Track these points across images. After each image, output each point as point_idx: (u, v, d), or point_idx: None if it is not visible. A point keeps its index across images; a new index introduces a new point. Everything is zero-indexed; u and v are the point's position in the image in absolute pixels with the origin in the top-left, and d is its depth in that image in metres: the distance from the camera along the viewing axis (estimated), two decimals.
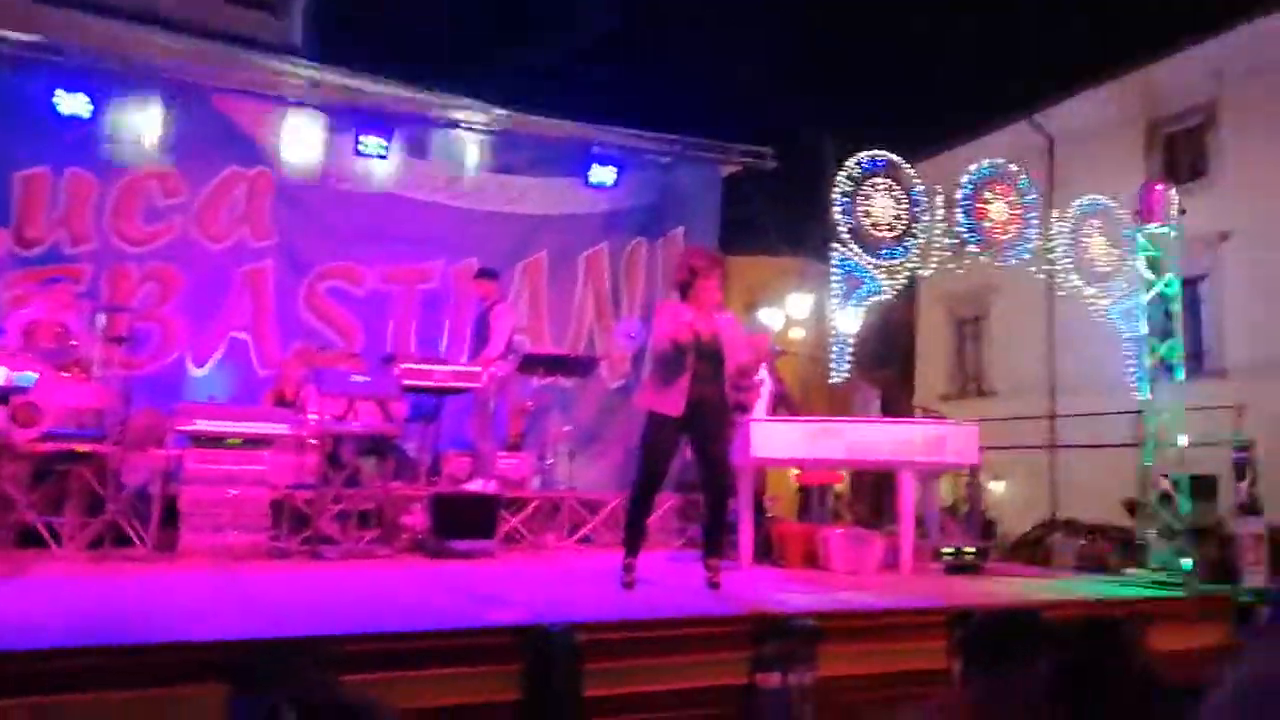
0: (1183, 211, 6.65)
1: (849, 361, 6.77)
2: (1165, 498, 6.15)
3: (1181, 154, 15.72)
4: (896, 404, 12.44)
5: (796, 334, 17.39)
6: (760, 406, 7.05)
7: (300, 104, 8.69)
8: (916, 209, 6.56)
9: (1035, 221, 6.82)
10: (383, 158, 8.74)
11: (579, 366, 8.53)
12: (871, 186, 6.55)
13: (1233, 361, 14.05)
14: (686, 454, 5.46)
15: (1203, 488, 7.55)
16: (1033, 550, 10.84)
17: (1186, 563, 5.76)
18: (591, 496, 7.89)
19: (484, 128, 9.35)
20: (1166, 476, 6.17)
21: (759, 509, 6.88)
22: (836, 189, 6.48)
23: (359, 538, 6.35)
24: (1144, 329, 6.60)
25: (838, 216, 6.44)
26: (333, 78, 9.52)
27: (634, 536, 5.09)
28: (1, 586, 4.60)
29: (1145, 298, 6.58)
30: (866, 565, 6.02)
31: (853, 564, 5.99)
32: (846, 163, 6.51)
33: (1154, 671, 2.14)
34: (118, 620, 3.89)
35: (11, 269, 7.59)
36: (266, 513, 6.13)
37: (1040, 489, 16.10)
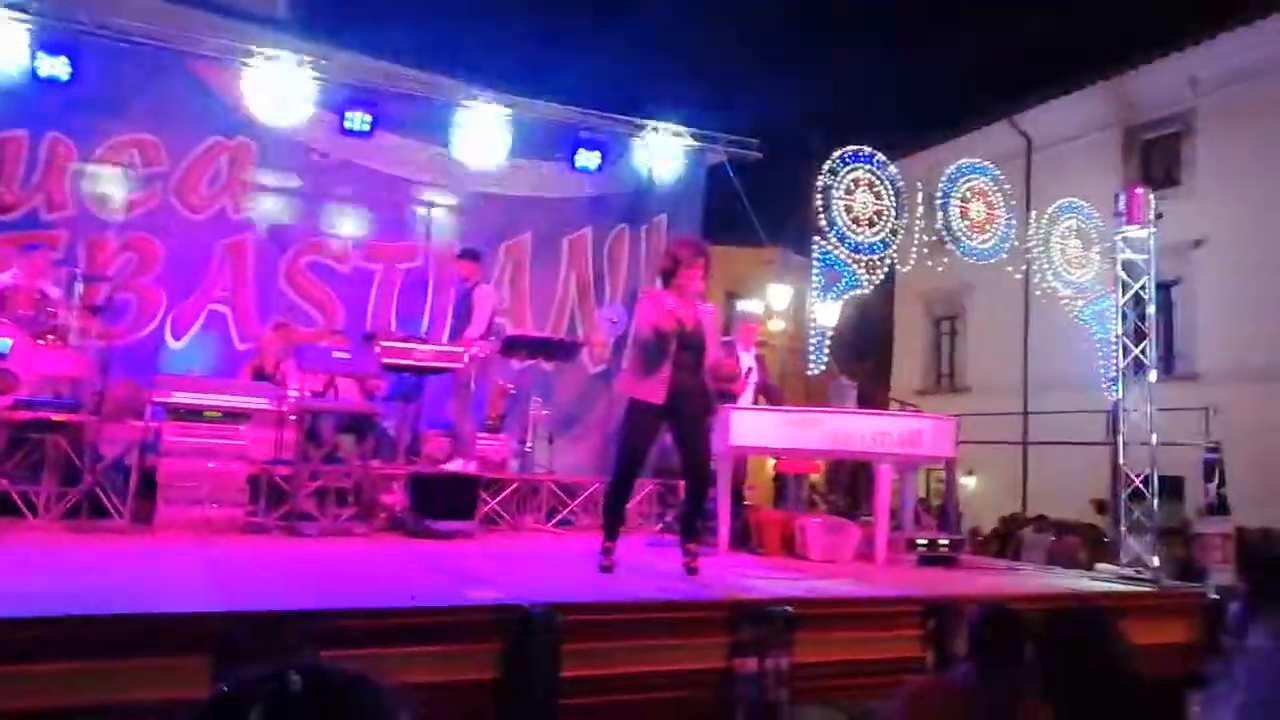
0: (1159, 216, 6.74)
1: (827, 354, 6.83)
2: (1136, 495, 6.27)
3: (1157, 161, 15.92)
4: (873, 397, 12.54)
5: (776, 325, 17.47)
6: (746, 396, 7.09)
7: (285, 77, 8.58)
8: (897, 205, 6.61)
9: (1013, 222, 6.89)
10: (367, 134, 8.68)
11: (561, 350, 8.54)
12: (853, 181, 6.58)
13: (1203, 366, 14.29)
14: (666, 440, 5.50)
15: (1170, 488, 7.70)
16: (1000, 544, 10.98)
17: (1154, 559, 5.89)
18: (570, 480, 7.92)
19: (469, 107, 9.29)
20: (1137, 475, 6.28)
21: (738, 497, 6.93)
22: (818, 182, 6.51)
23: (337, 515, 6.33)
24: (1118, 331, 6.70)
25: (819, 210, 6.47)
26: (318, 50, 9.42)
27: (612, 521, 5.12)
28: None
29: (1121, 300, 6.69)
30: (842, 554, 6.10)
31: (829, 552, 6.06)
32: (829, 157, 6.54)
33: (1135, 659, 2.20)
34: (95, 591, 3.86)
35: None
36: (244, 487, 6.09)
37: (1012, 485, 16.33)
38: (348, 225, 8.83)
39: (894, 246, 6.61)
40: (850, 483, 10.17)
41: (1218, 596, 5.08)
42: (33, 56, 7.48)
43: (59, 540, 5.25)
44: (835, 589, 4.93)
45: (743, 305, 15.63)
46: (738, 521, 6.49)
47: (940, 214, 6.69)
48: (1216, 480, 5.94)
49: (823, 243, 6.48)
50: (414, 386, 7.36)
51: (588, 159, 9.51)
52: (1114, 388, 6.67)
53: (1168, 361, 13.88)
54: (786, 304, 16.72)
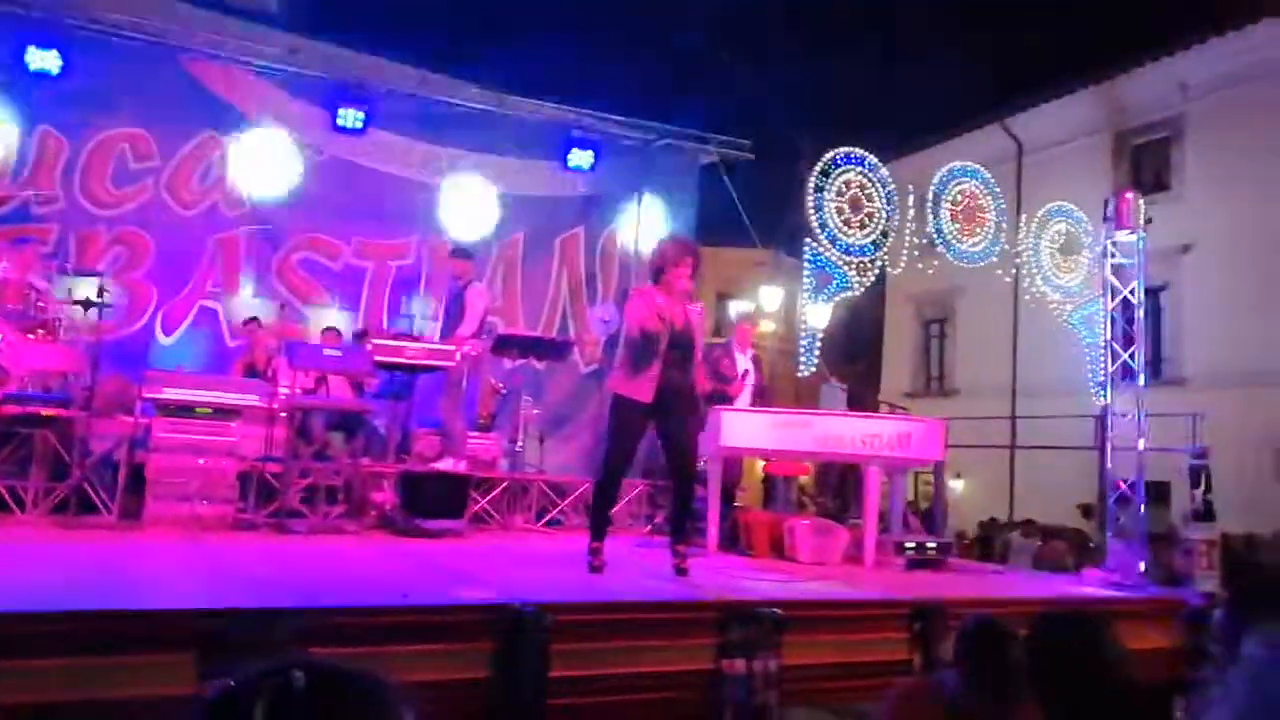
0: (1149, 221, 6.78)
1: (817, 355, 6.85)
2: (1122, 501, 6.30)
3: (1147, 165, 16.01)
4: (862, 399, 12.58)
5: (767, 327, 17.49)
6: (744, 398, 7.10)
7: (278, 72, 8.58)
8: (888, 207, 6.64)
9: (1003, 225, 6.93)
10: (360, 131, 8.67)
11: (553, 349, 8.54)
12: (845, 183, 6.60)
13: (1190, 371, 14.38)
14: (655, 440, 5.50)
15: (1156, 494, 7.75)
16: (981, 548, 11.04)
17: (1140, 565, 5.92)
18: (560, 480, 7.92)
19: (463, 105, 9.29)
20: (1124, 481, 6.32)
21: (730, 498, 6.95)
22: (810, 184, 6.53)
23: (327, 513, 6.32)
24: (1106, 335, 6.74)
25: (810, 211, 6.49)
26: (311, 46, 9.41)
27: (600, 520, 5.13)
28: None
29: (1110, 304, 6.72)
30: (831, 556, 6.12)
31: (817, 554, 6.08)
32: (821, 158, 6.56)
33: (1128, 663, 2.21)
34: (82, 586, 3.86)
35: None
36: (234, 484, 6.08)
37: (999, 489, 16.39)
38: (340, 222, 8.81)
39: (885, 249, 6.64)
40: (839, 485, 10.19)
41: (1203, 603, 5.12)
42: (23, 50, 7.44)
43: (47, 535, 5.24)
44: (824, 591, 4.96)
45: (739, 306, 15.68)
46: (727, 523, 6.51)
47: (931, 216, 6.71)
48: (1203, 486, 5.98)
49: (814, 244, 6.50)
50: (405, 384, 7.35)
51: (581, 158, 9.52)
52: (1102, 393, 6.71)
53: (1155, 367, 13.97)
54: (777, 305, 16.74)
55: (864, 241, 6.66)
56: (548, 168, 9.60)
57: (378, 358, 6.70)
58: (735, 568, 5.70)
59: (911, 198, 6.73)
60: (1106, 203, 6.83)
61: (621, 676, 3.77)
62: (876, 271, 6.79)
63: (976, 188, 6.97)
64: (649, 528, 7.68)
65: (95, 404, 6.08)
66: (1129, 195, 6.78)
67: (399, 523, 6.28)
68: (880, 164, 6.74)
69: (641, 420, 5.01)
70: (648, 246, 9.74)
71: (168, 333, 8.06)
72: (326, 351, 6.82)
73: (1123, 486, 6.30)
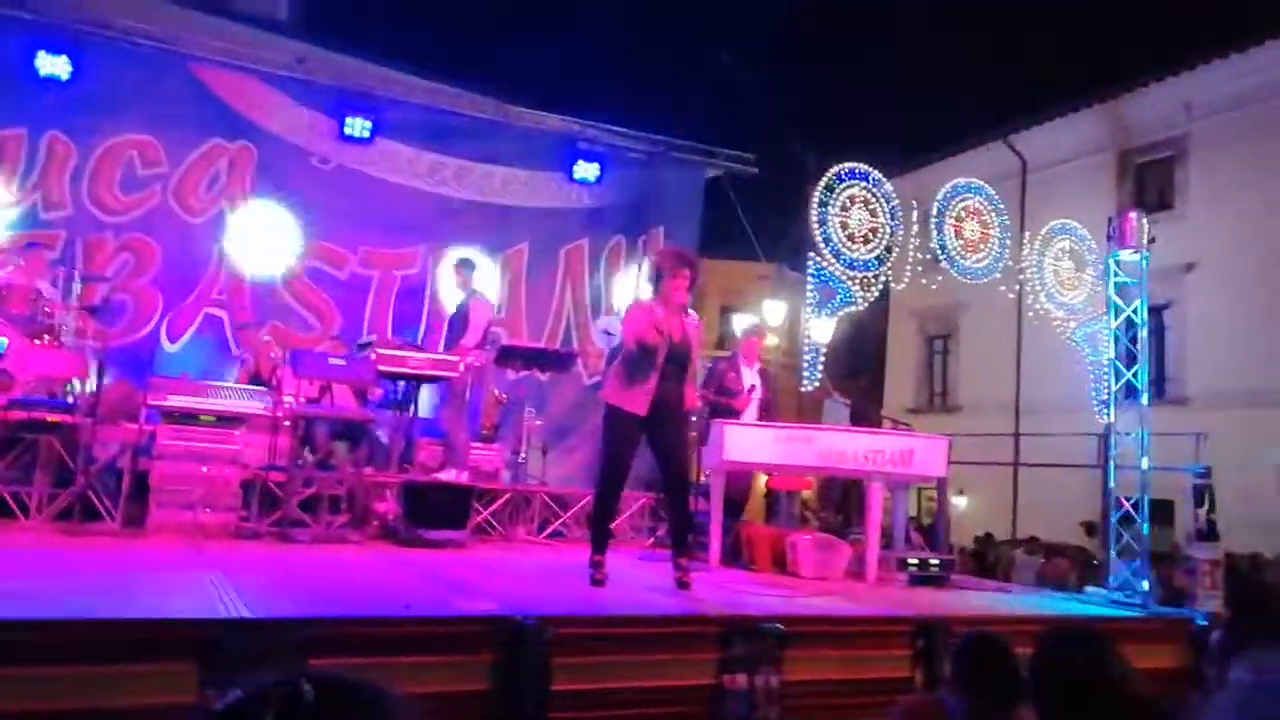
0: (1153, 240, 6.79)
1: (820, 370, 6.85)
2: (1126, 520, 6.29)
3: (1151, 184, 16.04)
4: (865, 415, 12.57)
5: (770, 341, 17.50)
6: (750, 413, 7.09)
7: (285, 80, 8.62)
8: (892, 223, 6.65)
9: (1006, 242, 6.94)
10: (367, 141, 8.71)
11: (557, 361, 8.55)
12: (849, 198, 6.62)
13: (1194, 390, 14.36)
14: None
15: (1160, 513, 7.73)
16: (976, 564, 11.00)
17: (1144, 584, 5.91)
18: (562, 491, 7.91)
19: (470, 116, 9.33)
20: (1127, 499, 6.31)
21: (738, 512, 6.92)
22: (814, 199, 6.55)
23: (329, 522, 6.32)
24: (1110, 353, 6.74)
25: (814, 226, 6.50)
26: (319, 55, 9.46)
27: (601, 533, 5.13)
28: None
29: (1114, 323, 6.72)
30: (833, 572, 6.10)
31: (820, 570, 6.06)
32: (825, 173, 6.58)
33: (1134, 681, 2.20)
34: (84, 594, 3.86)
35: None
36: (237, 492, 6.08)
37: (1002, 506, 16.36)
38: (346, 231, 8.84)
39: (889, 264, 6.65)
40: (842, 500, 10.18)
41: (1205, 623, 5.10)
42: (33, 55, 7.49)
43: (50, 542, 5.23)
44: (826, 607, 4.94)
45: (742, 320, 15.67)
46: (729, 537, 6.50)
47: (935, 232, 6.73)
48: (1206, 505, 5.97)
49: (818, 259, 6.51)
50: (408, 394, 7.36)
51: (586, 170, 9.56)
52: (1105, 411, 6.71)
53: (1159, 385, 13.95)
54: (781, 319, 16.75)
55: (868, 256, 6.67)
56: (553, 179, 9.64)
57: (381, 367, 6.72)
58: (737, 582, 5.69)
59: (915, 213, 6.75)
60: (1110, 221, 6.84)
61: (623, 691, 3.76)
62: (880, 287, 6.80)
63: (980, 204, 6.99)
64: (651, 541, 7.67)
65: (100, 410, 6.09)
66: (1132, 214, 6.78)
67: (401, 533, 6.28)
68: (884, 179, 6.76)
69: (635, 433, 5.01)
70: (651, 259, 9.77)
71: (173, 340, 8.07)
72: (331, 360, 6.82)
73: (1126, 505, 6.29)
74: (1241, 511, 9.78)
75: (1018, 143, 17.77)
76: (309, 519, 6.26)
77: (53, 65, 7.57)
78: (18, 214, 7.64)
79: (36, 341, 6.18)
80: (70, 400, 6.18)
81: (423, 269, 9.14)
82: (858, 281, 6.61)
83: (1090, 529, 11.20)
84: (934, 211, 6.78)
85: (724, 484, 6.36)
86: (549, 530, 7.57)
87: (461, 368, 7.05)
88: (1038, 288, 7.04)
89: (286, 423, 6.45)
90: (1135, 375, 6.57)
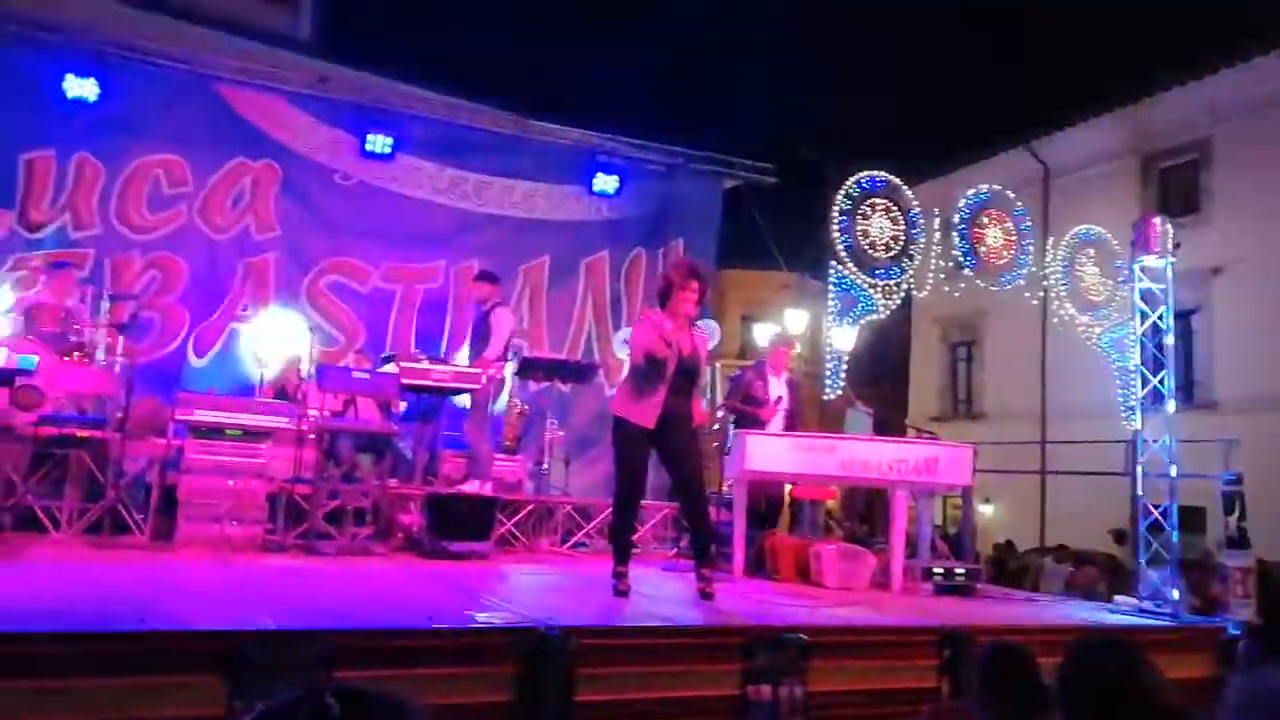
0: (1177, 245, 6.73)
1: (843, 378, 6.83)
2: (1155, 527, 6.21)
3: (1175, 189, 15.89)
4: (889, 423, 12.51)
5: (792, 350, 17.46)
6: (776, 424, 7.06)
7: (308, 98, 8.73)
8: (913, 230, 6.63)
9: (1030, 248, 6.89)
10: (389, 156, 8.79)
11: (578, 372, 8.57)
12: (870, 206, 6.61)
13: (1223, 395, 14.18)
14: None
15: (1190, 520, 7.63)
16: (995, 572, 10.88)
17: (1174, 593, 5.83)
18: (585, 502, 7.92)
19: (490, 131, 9.41)
20: (1156, 507, 6.23)
21: (773, 522, 6.89)
22: (835, 207, 6.54)
23: (354, 534, 6.36)
24: (1136, 359, 6.67)
25: (836, 234, 6.49)
26: (339, 73, 9.58)
27: (622, 544, 5.13)
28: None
29: (1139, 329, 6.66)
30: (858, 581, 6.07)
31: (845, 580, 6.03)
32: (846, 182, 6.57)
33: (1166, 691, 2.17)
34: (113, 607, 3.90)
35: (16, 251, 7.60)
36: (263, 505, 6.14)
37: (1030, 514, 16.20)
38: (369, 246, 8.92)
39: (911, 271, 6.63)
40: (866, 509, 10.12)
41: (1237, 632, 5.02)
42: (62, 77, 7.63)
43: (80, 555, 5.31)
44: (850, 617, 4.91)
45: (769, 329, 15.62)
46: (753, 547, 6.48)
47: (957, 239, 6.70)
48: (1236, 513, 5.88)
49: (839, 267, 6.50)
50: (431, 407, 7.40)
51: (606, 183, 9.60)
52: (1132, 417, 6.64)
53: (1187, 391, 13.78)
54: (803, 328, 16.72)
55: (890, 264, 6.65)
56: (573, 192, 9.69)
57: (405, 380, 6.76)
58: (761, 593, 5.67)
59: (937, 220, 6.73)
60: (1135, 227, 6.79)
61: (646, 702, 3.76)
62: (902, 294, 6.78)
63: (1003, 211, 6.95)
64: (675, 551, 7.65)
65: (129, 426, 6.17)
66: (1155, 220, 6.73)
67: (425, 545, 6.30)
68: (906, 187, 6.74)
69: (644, 444, 5.01)
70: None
71: (200, 355, 8.17)
72: (355, 374, 6.88)
73: (1154, 512, 6.22)
74: (1273, 518, 9.63)
75: (1040, 149, 17.67)
76: (334, 531, 6.30)
77: (81, 87, 7.71)
78: (48, 234, 7.76)
79: (66, 359, 6.28)
80: (99, 416, 6.25)
81: (444, 283, 9.20)
82: (880, 289, 6.59)
83: (1119, 537, 11.06)
84: (956, 219, 6.75)
85: (753, 494, 6.33)
86: (572, 541, 7.58)
87: (484, 380, 7.08)
88: (1062, 294, 6.99)
89: (311, 436, 6.50)
90: (1162, 381, 6.50)
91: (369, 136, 8.67)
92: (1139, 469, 6.41)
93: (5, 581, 4.32)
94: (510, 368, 7.74)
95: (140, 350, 7.58)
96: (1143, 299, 6.68)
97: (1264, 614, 5.36)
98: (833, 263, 6.53)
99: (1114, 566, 10.06)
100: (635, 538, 6.93)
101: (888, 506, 6.48)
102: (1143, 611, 5.83)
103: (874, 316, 6.68)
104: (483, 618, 4.30)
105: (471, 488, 6.90)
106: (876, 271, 6.56)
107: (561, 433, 8.40)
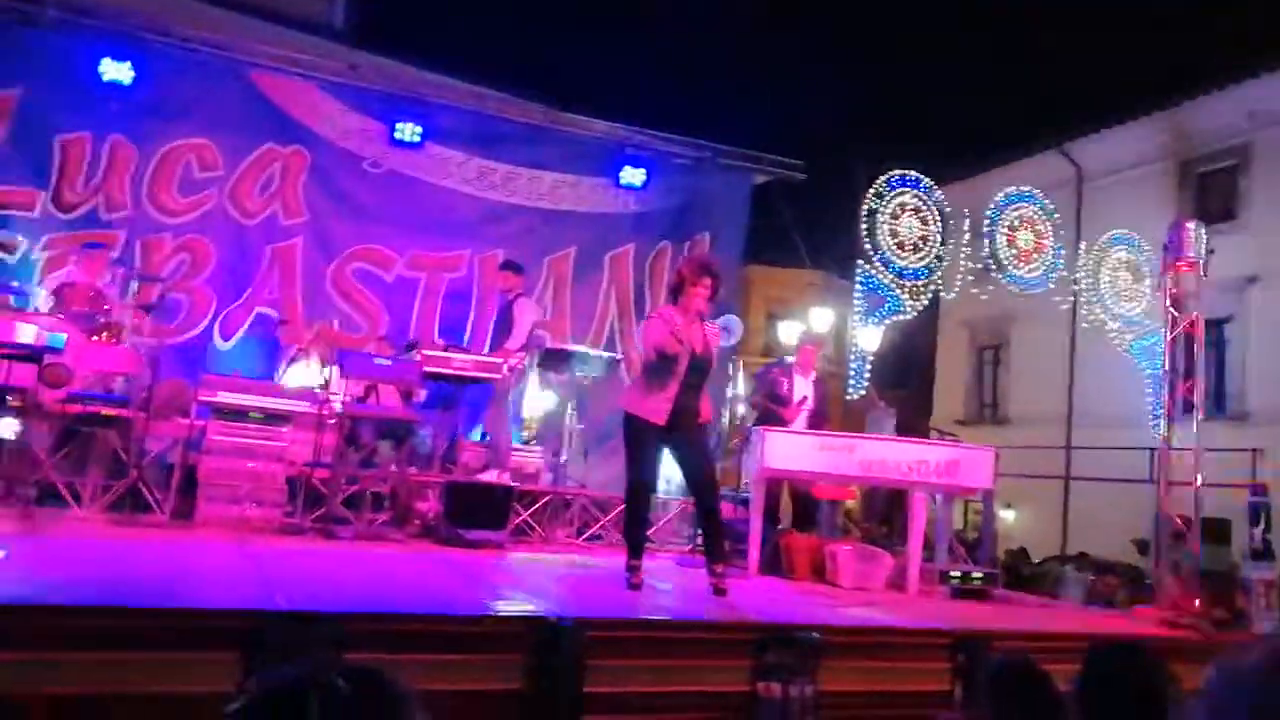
0: (1211, 251, 6.63)
1: (867, 379, 6.79)
2: (1178, 537, 6.13)
3: (1213, 194, 15.62)
4: (913, 425, 12.42)
5: None
6: (799, 424, 7.02)
7: (339, 86, 8.77)
8: (943, 231, 6.57)
9: (1061, 252, 6.81)
10: (417, 145, 8.82)
11: (599, 364, 8.56)
12: (899, 206, 6.56)
13: (1254, 406, 13.95)
14: None
15: (1217, 531, 7.52)
16: (1007, 576, 10.77)
17: (1195, 603, 5.75)
18: (602, 495, 7.92)
19: (519, 121, 9.41)
20: (1181, 516, 6.15)
21: (803, 525, 6.88)
22: (864, 206, 6.49)
23: (372, 519, 6.41)
24: (1165, 367, 6.58)
25: (864, 233, 6.45)
26: (371, 61, 9.63)
27: (635, 538, 5.12)
28: (21, 543, 4.68)
29: (1169, 336, 6.57)
30: (874, 582, 6.03)
31: (860, 580, 6.00)
32: (876, 180, 6.52)
33: (1184, 700, 2.13)
34: (132, 583, 3.96)
35: (49, 231, 7.71)
36: (283, 488, 6.20)
37: (1053, 520, 16.04)
38: (395, 234, 8.97)
39: (939, 273, 6.57)
40: (886, 511, 10.05)
41: None
42: (98, 61, 7.72)
43: (101, 532, 5.38)
44: (863, 617, 4.89)
45: (794, 327, 15.54)
46: (768, 546, 6.45)
47: (987, 241, 6.64)
48: (1262, 524, 5.79)
49: (866, 266, 6.45)
50: (452, 395, 7.43)
51: (633, 176, 9.58)
52: (1159, 425, 6.55)
53: (1218, 400, 13.58)
54: (828, 327, 16.66)
55: (917, 265, 6.60)
56: (600, 184, 9.67)
57: (426, 368, 6.79)
58: (775, 590, 5.65)
59: (967, 222, 6.67)
60: (1167, 232, 6.70)
61: (656, 695, 3.75)
62: (929, 295, 6.73)
63: (1035, 213, 6.88)
64: (690, 546, 7.64)
65: (154, 406, 6.24)
66: (1189, 224, 6.63)
67: (441, 532, 6.34)
68: (936, 187, 6.68)
69: (655, 440, 5.00)
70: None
71: (226, 338, 8.25)
72: (377, 361, 6.92)
73: (1178, 522, 6.13)
74: None
75: (1074, 151, 17.44)
76: (351, 516, 6.35)
77: (116, 71, 7.79)
78: (81, 215, 7.87)
79: (95, 338, 6.36)
80: (125, 395, 6.33)
81: (469, 272, 9.22)
82: (907, 290, 6.55)
83: (1143, 547, 10.93)
84: (986, 220, 6.69)
85: (776, 492, 6.30)
86: (588, 533, 7.59)
87: (505, 369, 7.10)
88: (1093, 299, 6.90)
89: (332, 421, 6.55)
90: (1190, 389, 6.41)
91: (398, 125, 8.70)
92: (1164, 478, 6.32)
93: (27, 555, 4.39)
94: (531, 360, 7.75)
95: (167, 331, 7.67)
96: (1173, 305, 6.59)
97: None
98: (860, 262, 6.49)
99: (1135, 576, 9.93)
100: (651, 532, 6.93)
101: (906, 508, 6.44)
102: (1163, 622, 5.75)
103: (900, 317, 6.64)
104: (495, 606, 4.33)
105: (489, 477, 6.93)
106: (904, 272, 6.52)
107: (581, 425, 8.40)
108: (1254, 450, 6.32)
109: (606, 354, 8.44)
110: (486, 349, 7.82)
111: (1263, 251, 13.79)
